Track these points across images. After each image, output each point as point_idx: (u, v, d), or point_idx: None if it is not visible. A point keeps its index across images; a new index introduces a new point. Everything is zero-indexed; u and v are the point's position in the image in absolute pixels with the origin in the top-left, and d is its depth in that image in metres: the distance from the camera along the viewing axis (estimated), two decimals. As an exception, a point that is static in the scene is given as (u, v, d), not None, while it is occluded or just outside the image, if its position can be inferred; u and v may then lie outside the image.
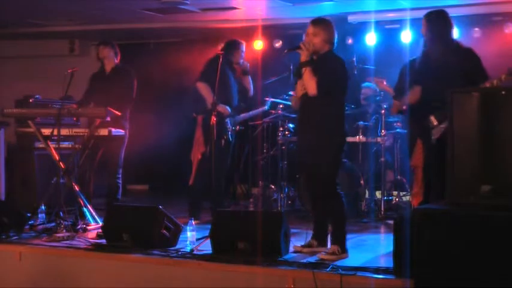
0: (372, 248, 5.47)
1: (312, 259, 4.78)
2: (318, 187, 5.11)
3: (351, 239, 5.79)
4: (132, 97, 6.84)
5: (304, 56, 5.06)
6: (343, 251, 4.93)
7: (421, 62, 5.26)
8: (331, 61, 5.08)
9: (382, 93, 7.09)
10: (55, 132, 6.09)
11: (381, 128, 7.15)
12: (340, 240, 4.97)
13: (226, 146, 6.74)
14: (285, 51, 5.42)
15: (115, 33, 9.16)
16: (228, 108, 6.65)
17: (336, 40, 5.16)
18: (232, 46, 6.91)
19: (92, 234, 5.83)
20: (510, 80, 4.90)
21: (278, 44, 9.14)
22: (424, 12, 5.32)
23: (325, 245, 5.11)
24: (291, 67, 7.28)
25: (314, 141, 5.04)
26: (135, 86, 6.87)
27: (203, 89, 6.64)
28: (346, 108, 7.57)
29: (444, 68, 5.08)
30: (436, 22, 5.21)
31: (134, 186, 10.09)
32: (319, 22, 5.15)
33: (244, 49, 6.94)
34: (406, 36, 8.15)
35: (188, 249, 5.08)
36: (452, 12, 5.36)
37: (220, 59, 6.06)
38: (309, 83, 5.01)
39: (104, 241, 5.47)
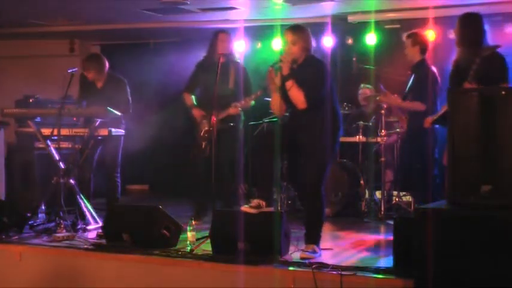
0: (372, 248, 5.47)
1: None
2: (305, 186, 5.11)
3: (351, 239, 5.81)
4: (130, 102, 6.79)
5: (285, 69, 4.99)
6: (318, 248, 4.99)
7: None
8: (311, 68, 5.01)
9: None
10: (55, 132, 6.09)
11: (380, 128, 7.14)
12: (317, 239, 5.00)
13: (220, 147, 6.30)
14: (270, 68, 5.17)
15: (115, 33, 9.16)
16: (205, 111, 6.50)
17: (312, 47, 5.09)
18: (211, 39, 6.58)
19: (92, 234, 5.84)
20: None
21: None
22: (424, 12, 5.29)
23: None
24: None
25: (307, 141, 5.04)
26: (129, 91, 6.81)
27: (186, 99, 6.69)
28: (346, 108, 7.63)
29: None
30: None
31: (134, 186, 10.08)
32: (297, 30, 5.08)
33: (224, 38, 6.49)
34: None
35: (188, 249, 5.08)
36: (452, 13, 5.33)
37: (221, 59, 6.03)
38: (296, 98, 4.96)
39: (104, 241, 5.47)
